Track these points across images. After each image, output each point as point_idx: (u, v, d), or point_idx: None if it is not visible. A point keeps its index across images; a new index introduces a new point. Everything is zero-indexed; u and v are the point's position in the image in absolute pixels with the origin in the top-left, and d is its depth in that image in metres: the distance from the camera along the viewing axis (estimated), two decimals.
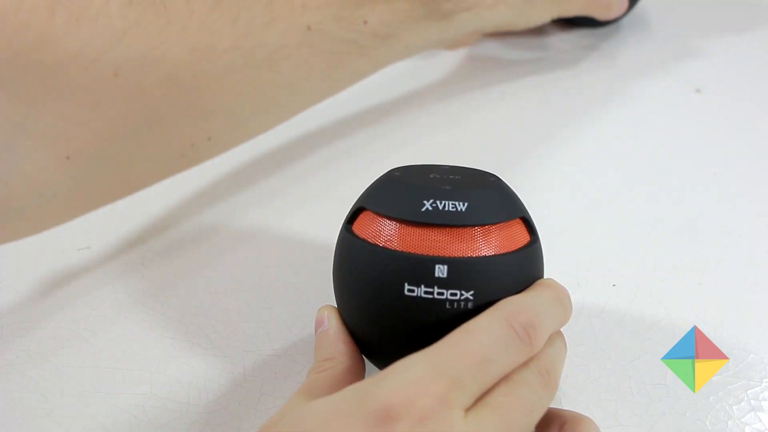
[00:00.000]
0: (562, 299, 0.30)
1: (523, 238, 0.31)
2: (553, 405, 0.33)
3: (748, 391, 0.34)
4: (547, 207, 0.44)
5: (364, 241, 0.29)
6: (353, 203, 0.32)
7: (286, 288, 0.39)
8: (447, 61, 0.59)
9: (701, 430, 0.32)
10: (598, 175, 0.47)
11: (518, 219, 0.31)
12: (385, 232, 0.29)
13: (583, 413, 0.33)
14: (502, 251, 0.29)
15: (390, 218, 0.29)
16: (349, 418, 0.24)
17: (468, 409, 0.25)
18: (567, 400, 0.33)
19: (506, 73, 0.57)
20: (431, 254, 0.28)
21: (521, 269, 0.30)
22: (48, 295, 0.39)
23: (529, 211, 0.32)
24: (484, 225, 0.29)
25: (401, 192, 0.30)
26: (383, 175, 0.32)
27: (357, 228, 0.30)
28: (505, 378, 0.26)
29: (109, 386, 0.34)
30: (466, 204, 0.29)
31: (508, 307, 0.27)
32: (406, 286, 0.28)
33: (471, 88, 0.56)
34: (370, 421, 0.24)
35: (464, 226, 0.28)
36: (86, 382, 0.34)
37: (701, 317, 0.37)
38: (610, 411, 0.33)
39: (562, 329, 0.30)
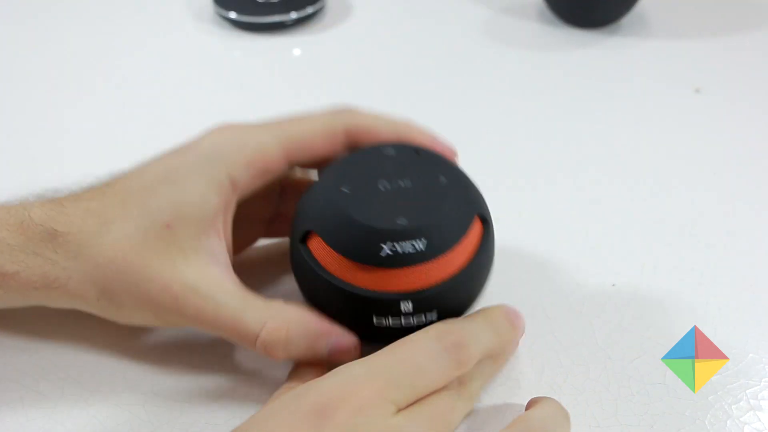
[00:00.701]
0: (497, 328, 0.32)
1: (478, 233, 0.31)
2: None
3: (747, 391, 0.34)
4: (547, 207, 0.44)
5: (325, 270, 0.30)
6: (300, 210, 0.32)
7: (285, 288, 0.39)
8: (446, 61, 0.59)
9: (700, 429, 0.32)
10: (597, 174, 0.47)
11: (474, 219, 0.31)
12: (346, 269, 0.29)
13: (583, 413, 0.33)
14: (462, 265, 0.30)
15: (349, 258, 0.29)
16: (288, 414, 0.26)
17: (401, 410, 0.27)
18: (567, 400, 0.33)
19: (505, 73, 0.57)
20: (396, 291, 0.29)
21: (480, 268, 0.31)
22: None
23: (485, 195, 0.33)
24: (444, 253, 0.29)
25: (355, 230, 0.29)
26: (329, 187, 0.30)
27: (315, 251, 0.30)
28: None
29: (109, 386, 0.34)
30: (424, 241, 0.29)
31: (441, 326, 0.30)
32: (374, 318, 0.30)
33: (469, 88, 0.56)
34: (307, 415, 0.26)
35: (426, 261, 0.29)
36: (86, 382, 0.34)
37: (701, 317, 0.37)
38: (610, 411, 0.33)
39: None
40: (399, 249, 0.28)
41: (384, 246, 0.28)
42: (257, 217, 0.38)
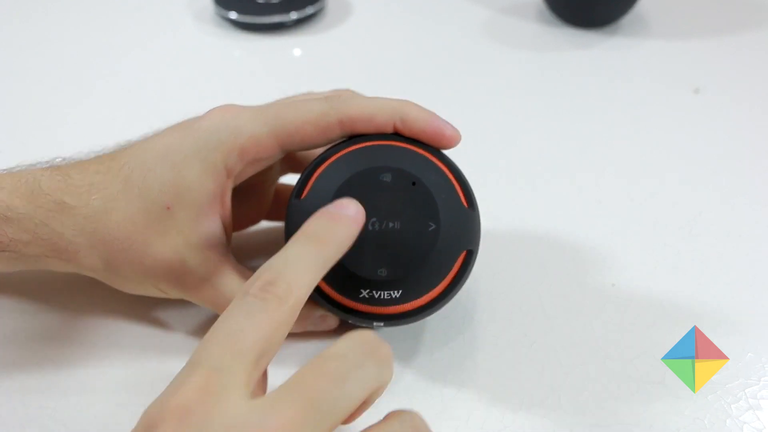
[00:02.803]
0: (314, 239, 0.28)
1: (458, 267, 0.32)
2: (552, 405, 0.33)
3: (746, 390, 0.34)
4: (547, 207, 0.44)
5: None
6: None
7: None
8: (446, 61, 0.59)
9: (700, 428, 0.32)
10: (598, 174, 0.47)
11: (457, 260, 0.32)
12: (327, 289, 0.32)
13: (583, 413, 0.33)
14: (435, 296, 0.32)
15: (331, 287, 0.31)
16: None
17: (255, 392, 0.24)
18: (567, 399, 0.33)
19: (505, 73, 0.57)
20: (370, 313, 0.32)
21: (452, 293, 0.32)
22: (48, 294, 0.39)
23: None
24: (418, 299, 0.31)
25: (339, 271, 0.30)
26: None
27: None
28: (318, 355, 0.25)
29: (110, 386, 0.34)
30: (400, 291, 0.31)
31: (248, 281, 0.26)
32: (350, 321, 0.32)
33: (469, 88, 0.56)
34: None
35: (399, 305, 0.31)
36: (87, 382, 0.34)
37: (701, 317, 0.37)
38: (610, 411, 0.33)
39: None
40: (375, 295, 0.31)
41: (362, 291, 0.31)
42: (259, 189, 0.39)
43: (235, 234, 0.37)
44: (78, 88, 0.56)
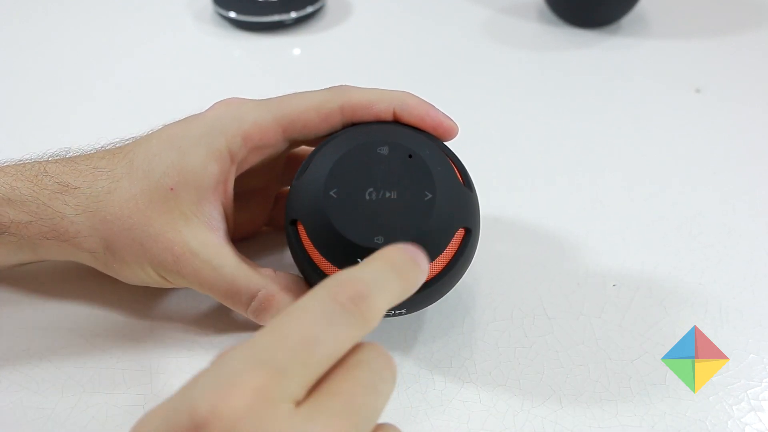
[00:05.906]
0: (398, 268, 0.25)
1: (456, 245, 0.32)
2: (552, 405, 0.33)
3: (748, 392, 0.34)
4: (547, 206, 0.44)
5: (308, 255, 0.32)
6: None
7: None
8: (446, 61, 0.59)
9: (701, 430, 0.32)
10: (598, 174, 0.47)
11: (454, 234, 0.31)
12: (324, 264, 0.32)
13: (584, 413, 0.33)
14: (435, 274, 0.31)
15: (327, 259, 0.31)
16: None
17: (300, 402, 0.22)
18: (567, 400, 0.33)
19: (505, 73, 0.57)
20: None
21: (453, 275, 0.32)
22: (48, 294, 0.39)
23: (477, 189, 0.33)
24: None
25: (335, 240, 0.31)
26: (319, 185, 0.31)
27: (302, 236, 0.32)
28: (341, 361, 0.23)
29: (109, 386, 0.34)
30: None
31: (332, 281, 0.24)
32: None
33: (469, 88, 0.56)
34: None
35: None
36: (86, 382, 0.34)
37: (701, 317, 0.37)
38: (610, 411, 0.33)
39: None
40: None
41: (359, 260, 0.29)
42: (261, 195, 0.40)
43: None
44: (78, 88, 0.56)
